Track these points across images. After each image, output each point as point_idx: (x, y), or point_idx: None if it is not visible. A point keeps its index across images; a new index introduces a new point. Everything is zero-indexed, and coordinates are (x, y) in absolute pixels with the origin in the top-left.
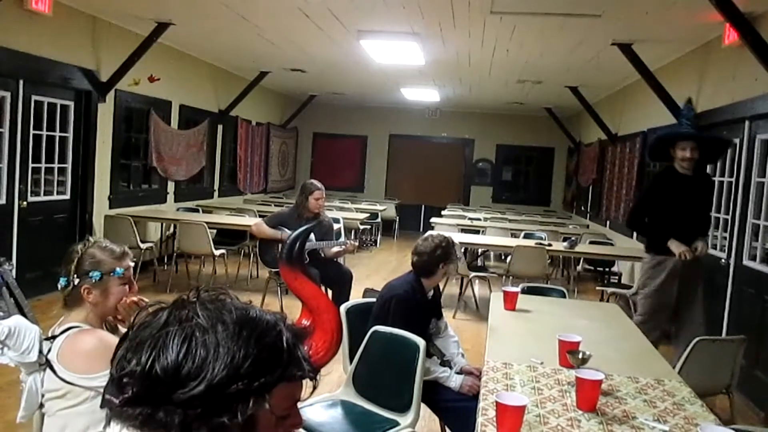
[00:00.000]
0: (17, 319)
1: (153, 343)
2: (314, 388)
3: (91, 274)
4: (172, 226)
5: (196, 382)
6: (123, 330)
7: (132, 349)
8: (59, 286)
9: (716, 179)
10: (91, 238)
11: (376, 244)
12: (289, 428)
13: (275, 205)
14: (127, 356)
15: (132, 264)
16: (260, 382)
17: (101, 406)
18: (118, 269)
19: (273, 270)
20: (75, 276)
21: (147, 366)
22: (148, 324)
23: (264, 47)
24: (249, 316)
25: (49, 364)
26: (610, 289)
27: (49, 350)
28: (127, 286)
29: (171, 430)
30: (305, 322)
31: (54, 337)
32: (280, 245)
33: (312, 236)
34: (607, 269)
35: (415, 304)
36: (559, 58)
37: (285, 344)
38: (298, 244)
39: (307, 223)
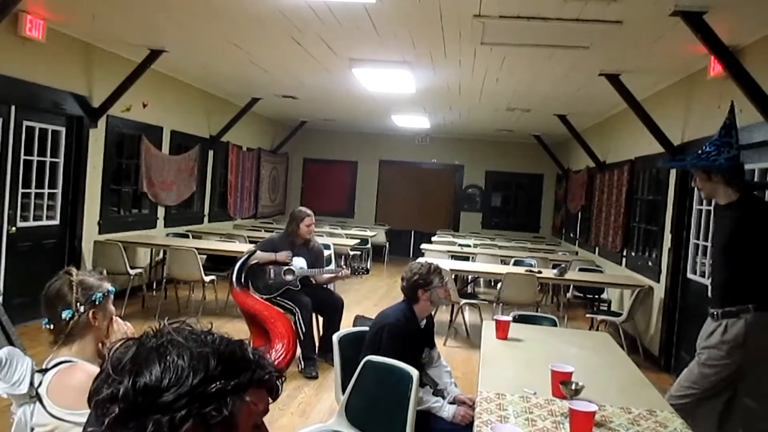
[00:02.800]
0: (10, 350)
1: (132, 366)
2: (279, 390)
3: (93, 297)
4: (162, 251)
5: (178, 387)
6: None
7: (110, 377)
8: (64, 318)
9: (702, 207)
10: (72, 269)
11: (367, 272)
12: None
13: (265, 231)
14: (108, 382)
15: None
16: (235, 383)
17: None
18: (110, 287)
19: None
20: (79, 305)
21: (130, 384)
22: (123, 353)
23: (256, 74)
24: (215, 333)
25: (39, 398)
26: (600, 317)
27: (39, 383)
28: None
29: None
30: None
31: (45, 370)
32: (272, 271)
33: (304, 263)
34: (596, 296)
35: (407, 333)
36: (547, 87)
37: (249, 352)
38: (243, 269)
39: (297, 248)
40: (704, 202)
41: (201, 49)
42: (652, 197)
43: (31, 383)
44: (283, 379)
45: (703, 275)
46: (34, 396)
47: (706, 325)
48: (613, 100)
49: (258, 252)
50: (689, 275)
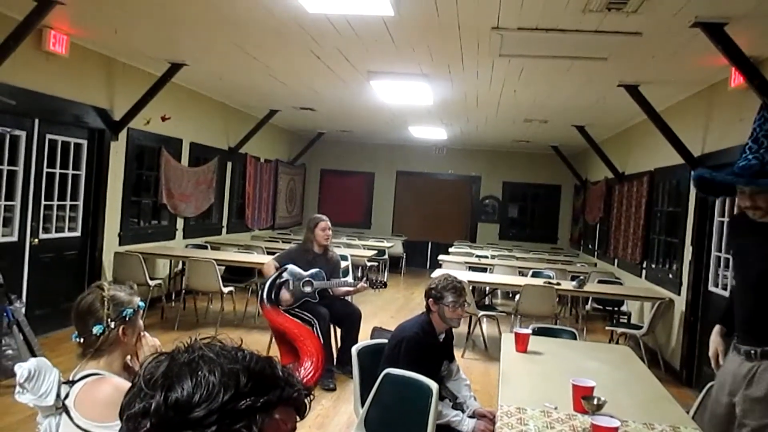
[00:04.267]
0: (39, 362)
1: (164, 381)
2: (307, 409)
3: (123, 313)
4: (181, 263)
5: (209, 403)
6: None
7: (143, 391)
8: (95, 333)
9: (723, 219)
10: (103, 284)
11: (384, 286)
12: None
13: (282, 242)
14: (141, 396)
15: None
16: (264, 400)
17: None
18: (140, 303)
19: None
20: (110, 320)
21: (162, 399)
22: (155, 368)
23: (274, 86)
24: (246, 349)
25: (65, 410)
26: (620, 329)
27: (66, 395)
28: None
29: None
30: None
31: (73, 382)
32: (290, 282)
33: (324, 275)
34: (616, 308)
35: (425, 347)
36: (565, 98)
37: (279, 370)
38: (274, 287)
39: (315, 258)
40: (726, 213)
41: (220, 62)
42: (671, 209)
43: (58, 395)
44: (312, 397)
45: (725, 288)
46: (60, 407)
47: (734, 363)
48: (632, 110)
49: (272, 263)
50: (711, 288)
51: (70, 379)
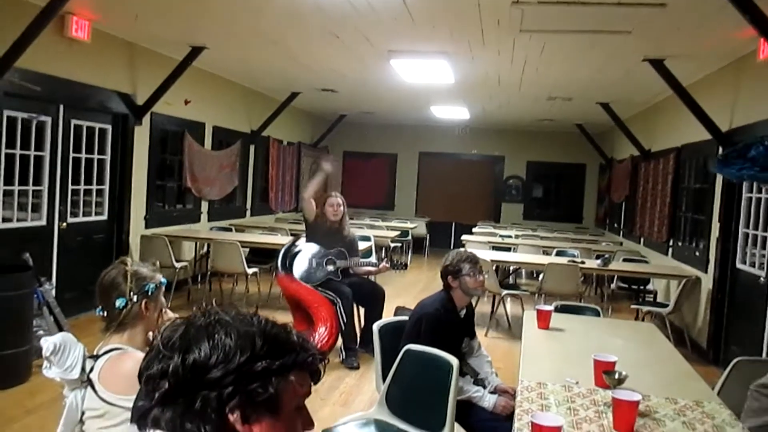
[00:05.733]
0: (64, 336)
1: (182, 344)
2: (321, 374)
3: (146, 287)
4: (206, 245)
5: (225, 364)
6: None
7: (161, 353)
8: (118, 307)
9: (752, 195)
10: (126, 259)
11: (405, 268)
12: (304, 427)
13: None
14: (159, 358)
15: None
16: (280, 363)
17: (131, 421)
18: (162, 279)
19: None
20: (133, 294)
21: (180, 361)
22: (173, 331)
23: (295, 69)
24: (261, 315)
25: (90, 383)
26: (645, 308)
27: (91, 369)
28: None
29: (209, 418)
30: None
31: (97, 357)
32: (313, 260)
33: (345, 254)
34: (641, 287)
35: (446, 323)
36: (589, 74)
37: (294, 335)
38: (288, 255)
39: (332, 235)
40: (754, 189)
41: (240, 46)
42: (699, 185)
43: (83, 369)
44: (326, 362)
45: (753, 265)
46: (85, 381)
47: None
48: (657, 86)
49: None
50: (739, 265)
51: (95, 353)
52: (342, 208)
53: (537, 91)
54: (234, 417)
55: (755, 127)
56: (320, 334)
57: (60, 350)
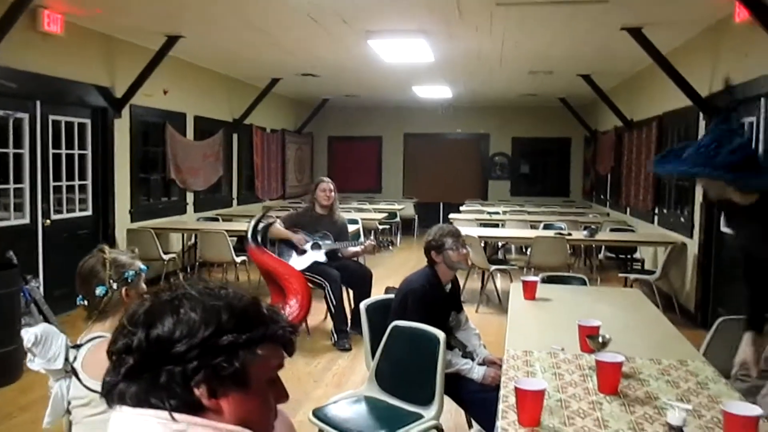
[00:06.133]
0: (45, 327)
1: (146, 319)
2: (294, 346)
3: (126, 275)
4: (193, 236)
5: (189, 338)
6: None
7: (126, 329)
8: (98, 295)
9: None
10: (105, 247)
11: (394, 244)
12: (277, 399)
13: (293, 210)
14: (124, 333)
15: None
16: (247, 337)
17: (101, 395)
18: (142, 266)
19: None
20: (113, 281)
21: (144, 336)
22: (138, 308)
23: (274, 54)
24: (230, 288)
25: (74, 372)
26: (633, 276)
27: (74, 358)
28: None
29: (174, 392)
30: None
31: (80, 346)
32: (297, 248)
33: (331, 237)
34: (629, 256)
35: (432, 298)
36: (569, 46)
37: (264, 308)
38: (258, 228)
39: (320, 221)
40: None
41: (217, 33)
42: None
43: (66, 358)
44: (297, 334)
45: None
46: (69, 371)
47: None
48: (637, 55)
49: (277, 224)
50: (723, 228)
51: (78, 342)
52: (333, 193)
53: (518, 65)
54: (200, 391)
55: (734, 90)
56: (291, 306)
57: (42, 341)
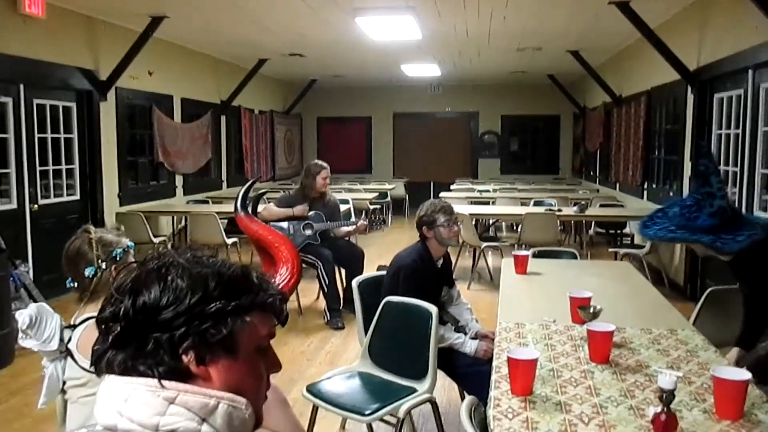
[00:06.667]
0: (39, 307)
1: (133, 287)
2: (285, 315)
3: (114, 253)
4: (183, 218)
5: (176, 306)
6: None
7: (113, 297)
8: (87, 276)
9: (721, 132)
10: (90, 227)
11: (386, 223)
12: (269, 369)
13: (283, 192)
14: (111, 302)
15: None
16: (235, 304)
17: (90, 364)
18: (129, 243)
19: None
20: (100, 261)
21: (130, 304)
22: (125, 276)
23: (260, 34)
24: (219, 258)
25: (69, 353)
26: (623, 250)
27: (69, 339)
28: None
29: (161, 359)
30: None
31: (74, 327)
32: (291, 227)
33: (323, 217)
34: (618, 231)
35: (423, 273)
36: (557, 22)
37: (253, 276)
38: (245, 196)
39: (313, 202)
40: (723, 125)
41: (203, 13)
42: (669, 127)
43: (61, 339)
44: (287, 303)
45: None
46: (64, 351)
47: None
48: (625, 30)
49: (273, 207)
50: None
51: (72, 323)
52: (329, 178)
53: (506, 42)
54: (188, 358)
55: (722, 63)
56: (281, 275)
57: (36, 323)
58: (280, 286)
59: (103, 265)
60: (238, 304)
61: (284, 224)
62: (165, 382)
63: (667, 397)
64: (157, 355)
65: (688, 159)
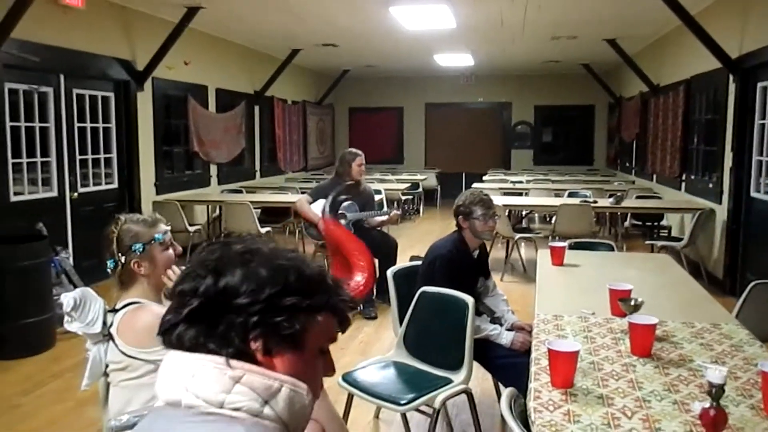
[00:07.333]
0: (83, 291)
1: (217, 266)
2: (349, 323)
3: (133, 247)
4: (218, 207)
5: (255, 293)
6: None
7: (195, 272)
8: (109, 269)
9: (764, 122)
10: (121, 217)
11: (419, 213)
12: (325, 372)
13: (316, 182)
14: (192, 276)
15: (167, 228)
16: (310, 302)
17: (158, 333)
18: (156, 236)
19: (319, 243)
20: (120, 255)
21: (212, 282)
22: (210, 254)
23: (294, 24)
24: (299, 253)
25: (110, 337)
26: (660, 243)
27: (111, 323)
28: (171, 251)
29: (231, 341)
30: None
31: (116, 311)
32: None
33: (356, 206)
34: (655, 224)
35: (460, 264)
36: (594, 10)
37: (329, 278)
38: (336, 201)
39: (348, 191)
40: (767, 116)
41: (236, 3)
42: (710, 116)
43: (104, 323)
44: (355, 310)
45: (767, 193)
46: (107, 335)
47: None
48: (664, 17)
49: (303, 199)
50: (753, 194)
51: (114, 307)
52: (364, 166)
53: (541, 30)
54: (256, 345)
55: (766, 51)
56: (356, 282)
57: (80, 305)
58: (352, 293)
59: (123, 260)
60: (313, 302)
61: (318, 211)
62: (232, 362)
63: (716, 391)
64: (228, 336)
65: (728, 150)
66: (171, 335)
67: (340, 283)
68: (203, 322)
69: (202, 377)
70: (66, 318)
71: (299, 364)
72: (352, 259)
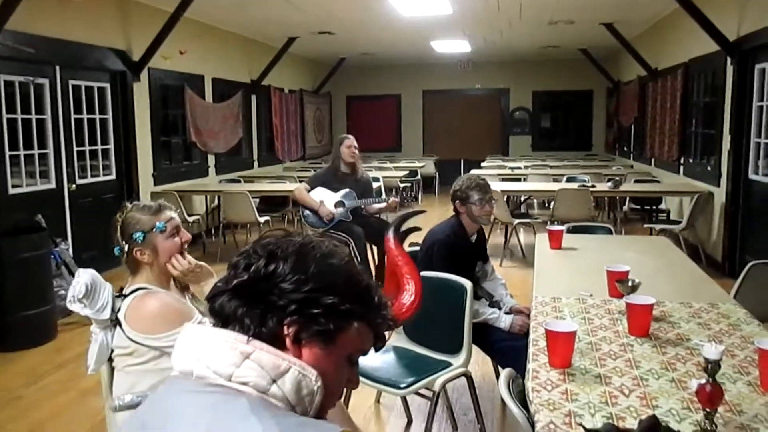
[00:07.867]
0: (92, 275)
1: (273, 250)
2: (383, 342)
3: (134, 236)
4: (216, 197)
5: (299, 285)
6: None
7: (254, 252)
8: (118, 256)
9: (762, 104)
10: (128, 204)
11: (417, 200)
12: (348, 383)
13: (314, 171)
14: (250, 254)
15: (174, 215)
16: (349, 306)
17: (206, 298)
18: (158, 224)
19: (317, 229)
20: (123, 242)
21: (263, 264)
22: (271, 239)
23: (290, 12)
24: (353, 262)
25: (118, 322)
26: (658, 226)
27: (119, 309)
28: (177, 238)
29: (265, 321)
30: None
31: (124, 296)
32: (323, 204)
33: (354, 194)
34: (654, 207)
35: (458, 248)
36: None
37: (376, 293)
38: (402, 221)
39: (344, 179)
40: (765, 97)
41: None
42: (708, 99)
43: (112, 308)
44: (392, 331)
45: (766, 175)
46: (114, 320)
47: None
48: (662, 1)
49: (302, 187)
50: (751, 176)
51: (122, 293)
52: (357, 150)
53: (538, 15)
54: (288, 331)
55: (765, 32)
56: (401, 303)
57: (91, 292)
58: (396, 313)
59: (126, 247)
60: (352, 308)
61: (317, 199)
62: (251, 340)
63: (712, 367)
64: (265, 316)
65: (726, 133)
66: (216, 302)
67: (386, 302)
68: (247, 297)
69: (214, 350)
70: (70, 299)
71: (323, 361)
72: (402, 280)
